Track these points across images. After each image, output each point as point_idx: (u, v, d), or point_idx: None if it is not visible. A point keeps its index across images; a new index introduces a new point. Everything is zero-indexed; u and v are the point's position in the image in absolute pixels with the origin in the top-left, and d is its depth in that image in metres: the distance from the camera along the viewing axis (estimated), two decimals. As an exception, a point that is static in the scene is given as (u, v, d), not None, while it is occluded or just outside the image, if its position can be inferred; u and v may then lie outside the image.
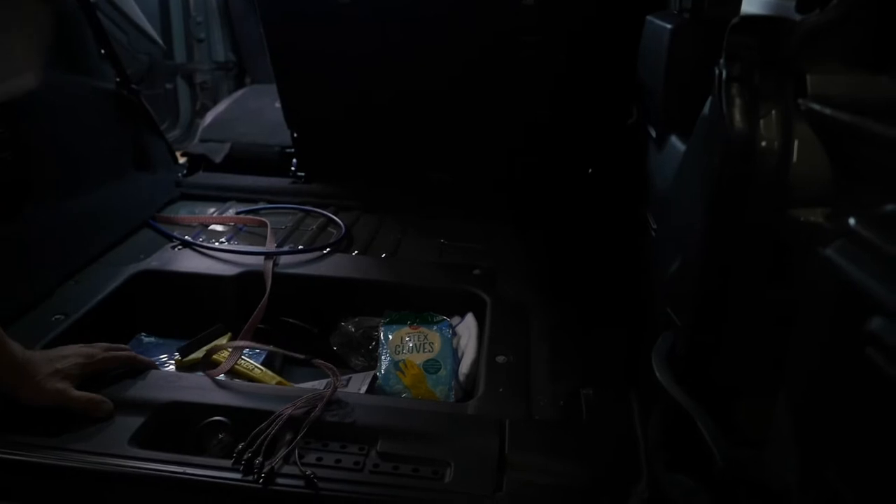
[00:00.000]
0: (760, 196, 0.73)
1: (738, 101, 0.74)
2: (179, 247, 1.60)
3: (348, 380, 1.27)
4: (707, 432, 0.76)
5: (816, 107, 0.67)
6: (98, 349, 1.12)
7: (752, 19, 0.76)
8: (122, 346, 1.19)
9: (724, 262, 0.79)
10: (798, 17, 0.84)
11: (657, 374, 0.85)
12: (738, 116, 0.74)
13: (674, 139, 1.08)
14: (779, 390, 0.72)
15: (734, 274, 0.78)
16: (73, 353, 1.08)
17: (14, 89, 0.74)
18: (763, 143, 0.72)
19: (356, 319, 1.44)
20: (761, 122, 0.73)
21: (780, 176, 0.71)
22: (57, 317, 1.28)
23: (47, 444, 0.96)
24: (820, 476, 0.60)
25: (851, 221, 0.56)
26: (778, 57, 0.74)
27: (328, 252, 1.61)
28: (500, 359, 1.24)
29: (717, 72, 0.78)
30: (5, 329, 1.06)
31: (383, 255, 1.66)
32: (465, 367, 1.26)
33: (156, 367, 1.18)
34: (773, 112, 0.72)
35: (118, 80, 1.79)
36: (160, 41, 2.65)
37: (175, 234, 1.66)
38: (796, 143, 0.70)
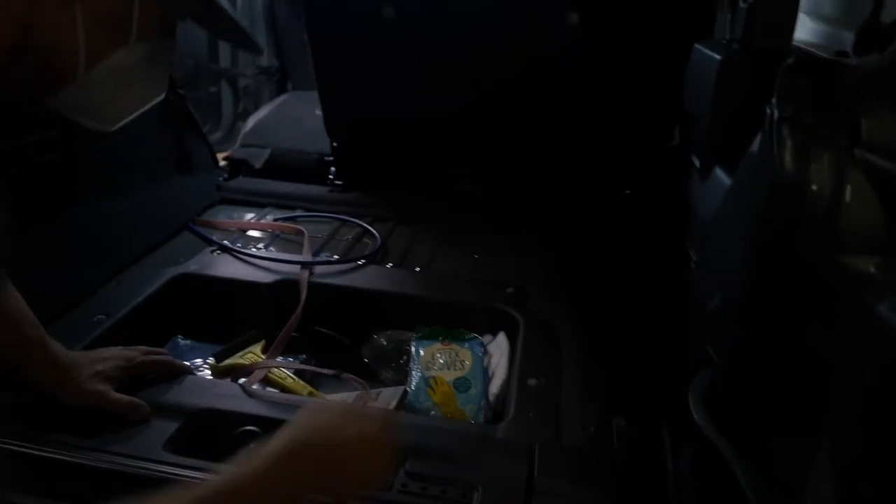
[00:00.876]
0: (808, 239, 0.72)
1: (788, 143, 0.73)
2: (218, 251, 1.63)
3: (378, 393, 1.28)
4: (743, 477, 0.75)
5: (871, 157, 0.66)
6: (137, 352, 1.15)
7: (807, 61, 0.76)
8: (161, 349, 1.22)
9: (767, 303, 0.78)
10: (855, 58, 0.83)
11: (694, 413, 0.84)
12: (788, 158, 0.73)
13: (718, 171, 1.06)
14: (820, 437, 0.71)
15: (777, 316, 0.77)
16: (114, 356, 1.11)
17: (154, 102, 0.84)
18: (813, 187, 0.71)
19: (388, 332, 1.45)
20: (812, 165, 0.72)
21: (830, 221, 0.70)
22: (99, 317, 1.31)
23: (86, 445, 0.98)
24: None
25: (906, 277, 0.55)
26: (832, 100, 0.73)
27: (363, 263, 1.62)
28: (531, 381, 1.24)
29: (768, 111, 0.77)
30: (49, 327, 1.09)
31: (417, 268, 1.67)
32: (494, 388, 1.26)
33: (192, 373, 1.21)
34: (825, 156, 0.71)
35: (166, 84, 1.83)
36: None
37: (214, 238, 1.69)
38: (849, 188, 0.69)
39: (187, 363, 1.26)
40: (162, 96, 0.83)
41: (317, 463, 0.74)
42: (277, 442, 0.72)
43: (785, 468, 0.76)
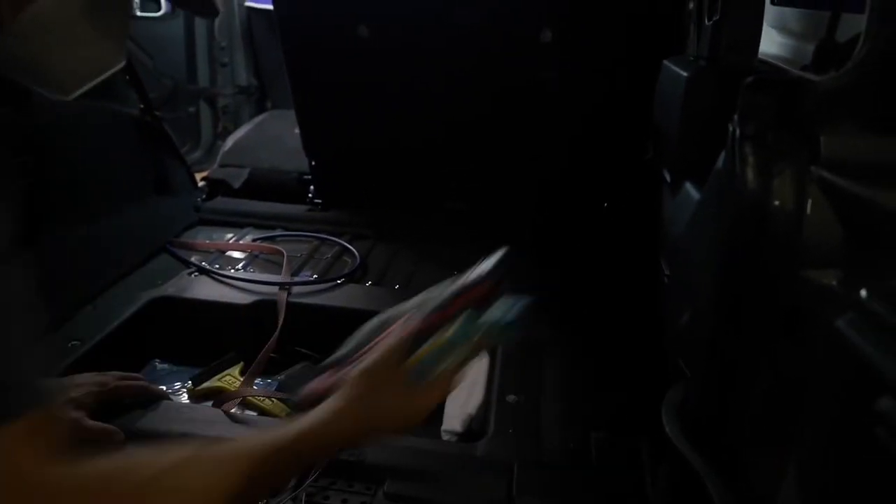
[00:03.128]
0: (772, 255, 0.73)
1: (750, 160, 0.74)
2: (196, 273, 1.62)
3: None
4: (715, 492, 0.75)
5: (827, 175, 0.67)
6: (111, 377, 1.13)
7: (768, 79, 0.77)
8: (135, 374, 1.21)
9: (735, 318, 0.78)
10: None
11: (666, 427, 0.85)
12: (750, 175, 0.74)
13: (688, 186, 1.08)
14: (791, 451, 0.72)
15: (745, 331, 0.78)
16: (87, 382, 1.10)
17: (112, 70, 0.83)
18: (776, 203, 0.72)
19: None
20: (774, 181, 0.73)
21: (792, 237, 0.71)
22: (73, 343, 1.30)
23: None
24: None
25: (863, 293, 0.56)
26: (793, 117, 0.74)
27: (342, 282, 1.62)
28: (511, 398, 1.24)
29: (730, 129, 0.78)
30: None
31: (396, 286, 1.67)
32: (471, 408, 1.24)
33: (168, 398, 1.20)
34: (787, 172, 0.72)
35: (142, 106, 1.83)
36: None
37: (192, 259, 1.68)
38: (809, 204, 0.70)
39: (164, 387, 1.25)
40: (120, 65, 0.83)
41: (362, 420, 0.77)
42: (335, 400, 0.77)
43: (757, 482, 0.77)
